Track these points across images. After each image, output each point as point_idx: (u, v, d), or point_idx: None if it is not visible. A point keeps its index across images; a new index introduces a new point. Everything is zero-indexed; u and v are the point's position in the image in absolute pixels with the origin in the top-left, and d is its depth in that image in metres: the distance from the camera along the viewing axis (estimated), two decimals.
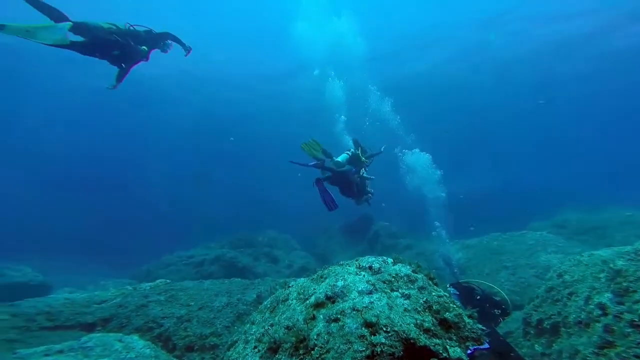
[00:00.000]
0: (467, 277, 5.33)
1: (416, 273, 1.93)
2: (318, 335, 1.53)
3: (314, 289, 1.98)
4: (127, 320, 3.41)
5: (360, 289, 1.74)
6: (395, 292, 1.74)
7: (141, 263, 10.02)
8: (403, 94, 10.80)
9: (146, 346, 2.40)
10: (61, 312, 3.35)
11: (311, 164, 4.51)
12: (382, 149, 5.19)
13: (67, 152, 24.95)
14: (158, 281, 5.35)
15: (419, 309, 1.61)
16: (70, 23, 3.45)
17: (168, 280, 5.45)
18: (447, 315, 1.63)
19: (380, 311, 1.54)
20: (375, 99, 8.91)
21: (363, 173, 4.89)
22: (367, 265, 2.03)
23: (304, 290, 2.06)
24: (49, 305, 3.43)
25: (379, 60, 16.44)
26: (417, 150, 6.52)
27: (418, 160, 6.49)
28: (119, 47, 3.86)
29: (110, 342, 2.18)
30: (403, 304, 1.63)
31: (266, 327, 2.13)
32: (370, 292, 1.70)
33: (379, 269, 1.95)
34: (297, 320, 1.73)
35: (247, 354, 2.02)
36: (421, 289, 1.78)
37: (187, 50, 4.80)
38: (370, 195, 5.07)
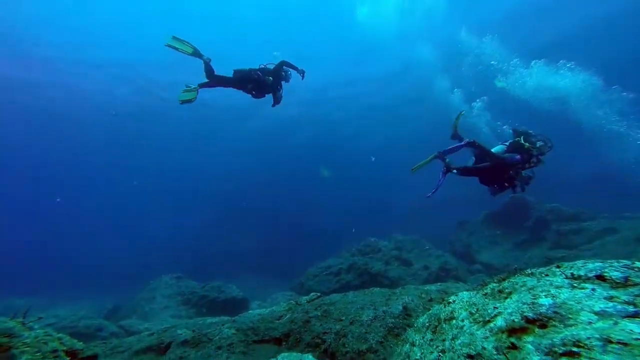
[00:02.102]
0: None
1: None
2: None
3: (496, 307, 1.62)
4: (300, 335, 4.02)
5: (598, 309, 1.24)
6: None
7: (294, 275, 11.91)
8: None
9: None
10: (259, 327, 4.35)
11: (462, 142, 4.53)
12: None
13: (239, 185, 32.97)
14: (312, 294, 6.17)
15: None
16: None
17: (318, 294, 6.18)
18: None
19: None
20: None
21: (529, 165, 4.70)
22: (589, 274, 1.48)
23: (477, 309, 1.74)
24: (251, 321, 4.53)
25: None
26: None
27: None
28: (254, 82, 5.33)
29: None
30: None
31: (436, 354, 1.94)
32: (631, 315, 1.15)
33: (626, 278, 1.35)
34: (484, 349, 1.43)
35: None
36: None
37: (302, 73, 5.51)
38: (530, 179, 4.74)
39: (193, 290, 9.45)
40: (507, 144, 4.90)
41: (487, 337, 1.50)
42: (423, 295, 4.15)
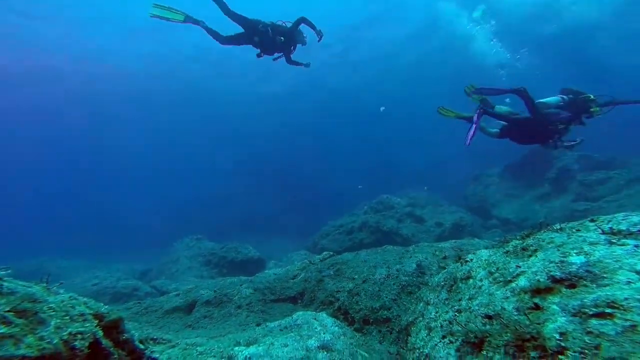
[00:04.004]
0: None
1: None
2: (564, 334, 1.08)
3: (518, 266, 1.51)
4: (314, 294, 4.17)
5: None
6: None
7: (308, 234, 12.30)
8: None
9: (334, 324, 2.75)
10: (275, 287, 4.53)
11: (511, 88, 4.32)
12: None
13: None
14: (324, 253, 6.32)
15: None
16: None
17: (331, 253, 6.32)
18: None
19: None
20: None
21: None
22: (632, 229, 1.30)
23: (498, 268, 1.63)
24: (268, 281, 4.73)
25: None
26: None
27: None
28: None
29: (310, 320, 2.63)
30: None
31: (451, 314, 1.85)
32: None
33: None
34: (504, 309, 1.35)
35: (436, 345, 1.82)
36: None
37: (319, 34, 5.15)
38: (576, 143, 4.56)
39: (212, 251, 9.99)
40: (565, 98, 4.60)
41: (507, 298, 1.39)
42: (437, 253, 4.09)
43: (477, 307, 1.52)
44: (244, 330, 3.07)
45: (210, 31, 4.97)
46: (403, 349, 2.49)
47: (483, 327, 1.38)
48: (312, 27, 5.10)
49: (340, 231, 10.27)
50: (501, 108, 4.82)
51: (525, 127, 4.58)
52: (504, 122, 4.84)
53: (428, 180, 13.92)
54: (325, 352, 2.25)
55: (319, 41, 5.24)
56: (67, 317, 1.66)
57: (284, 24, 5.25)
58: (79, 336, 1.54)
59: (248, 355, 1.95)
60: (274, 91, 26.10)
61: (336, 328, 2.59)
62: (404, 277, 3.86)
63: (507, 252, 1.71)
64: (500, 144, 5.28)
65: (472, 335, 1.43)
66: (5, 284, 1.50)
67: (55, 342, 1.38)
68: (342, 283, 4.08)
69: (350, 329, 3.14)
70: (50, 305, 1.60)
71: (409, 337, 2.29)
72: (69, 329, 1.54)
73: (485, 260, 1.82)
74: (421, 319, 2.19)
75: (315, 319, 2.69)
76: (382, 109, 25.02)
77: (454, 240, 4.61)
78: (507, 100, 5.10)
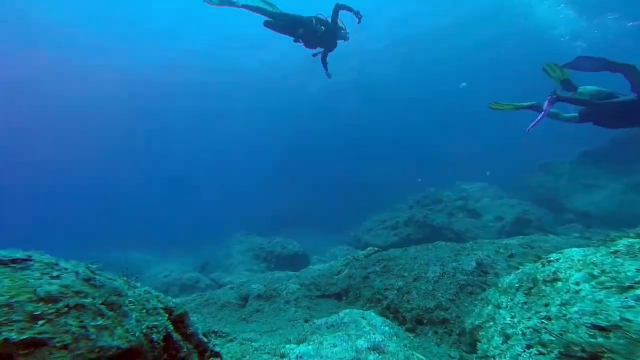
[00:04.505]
0: None
1: None
2: None
3: (638, 269, 1.28)
4: (359, 292, 4.01)
5: None
6: None
7: (348, 229, 12.12)
8: None
9: (384, 323, 2.56)
10: (320, 282, 4.50)
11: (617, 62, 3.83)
12: None
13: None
14: (369, 249, 6.09)
15: None
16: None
17: (376, 248, 6.06)
18: None
19: None
20: None
21: None
22: None
23: (604, 270, 1.39)
24: (312, 277, 4.73)
25: None
26: None
27: None
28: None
29: (357, 319, 2.49)
30: None
31: (536, 321, 1.61)
32: None
33: None
34: (627, 320, 1.15)
35: (519, 355, 1.58)
36: None
37: (358, 15, 5.08)
38: None
39: (261, 246, 10.50)
40: None
41: (631, 307, 1.18)
42: (501, 250, 3.59)
43: (577, 316, 1.32)
44: (293, 326, 3.08)
45: (254, 9, 5.00)
46: (469, 353, 2.24)
47: (594, 340, 1.18)
48: (350, 9, 5.00)
49: (384, 226, 9.87)
50: (586, 88, 4.10)
51: (625, 110, 3.90)
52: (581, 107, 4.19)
53: (480, 173, 12.57)
54: (377, 354, 2.08)
55: (358, 23, 5.14)
56: (144, 311, 1.76)
57: (325, 18, 5.27)
58: (155, 329, 1.63)
59: (299, 354, 1.90)
60: (315, 85, 25.94)
61: (387, 328, 2.41)
62: (461, 275, 3.47)
63: (616, 252, 1.46)
64: (563, 129, 4.46)
65: (576, 349, 1.23)
66: (97, 277, 1.61)
67: (137, 334, 1.47)
68: (390, 280, 3.85)
69: (401, 329, 2.91)
70: (130, 299, 1.72)
71: (479, 343, 2.03)
72: (146, 322, 1.63)
73: (579, 260, 1.57)
74: (492, 323, 2.03)
75: (362, 317, 2.54)
76: (463, 84, 22.36)
77: (521, 237, 4.00)
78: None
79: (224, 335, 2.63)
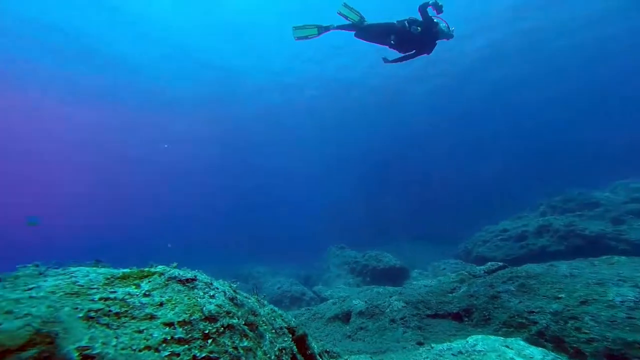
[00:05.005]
0: None
1: None
2: None
3: None
4: (487, 312, 3.23)
5: None
6: None
7: (453, 241, 10.44)
8: None
9: (544, 353, 1.87)
10: (430, 300, 3.93)
11: None
12: None
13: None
14: (490, 264, 4.99)
15: None
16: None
17: (500, 263, 4.90)
18: None
19: None
20: None
21: None
22: None
23: None
24: (419, 294, 4.22)
25: None
26: None
27: None
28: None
29: (498, 347, 1.94)
30: None
31: None
32: None
33: None
34: None
35: None
36: None
37: (437, 6, 4.76)
38: None
39: (355, 259, 10.32)
40: None
41: None
42: None
43: None
44: (404, 349, 2.72)
45: (343, 27, 5.13)
46: None
47: None
48: (430, 4, 4.61)
49: (503, 237, 8.02)
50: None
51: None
52: None
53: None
54: None
55: (437, 14, 4.69)
56: (273, 331, 1.84)
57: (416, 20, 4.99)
58: (284, 352, 1.67)
59: None
60: (414, 90, 23.63)
61: None
62: None
63: None
64: None
65: None
66: (238, 296, 1.72)
67: (272, 358, 1.49)
68: (535, 302, 2.95)
69: None
70: (263, 319, 1.81)
71: None
72: (277, 345, 1.68)
73: None
74: None
75: (506, 346, 1.95)
76: None
77: None
78: None
79: (335, 355, 2.56)
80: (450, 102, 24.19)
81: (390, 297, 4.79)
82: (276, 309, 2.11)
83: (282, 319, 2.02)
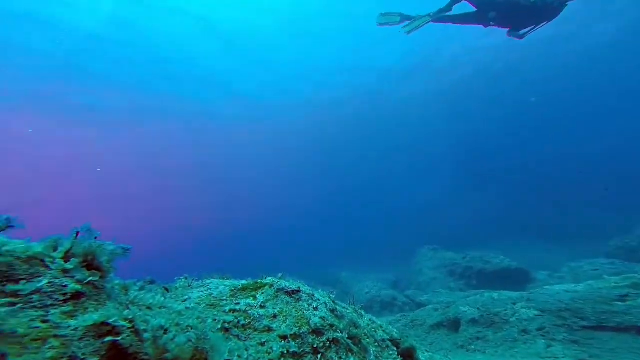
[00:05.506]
0: None
1: None
2: None
3: None
4: None
5: None
6: None
7: (590, 238, 7.97)
8: None
9: None
10: (583, 309, 3.01)
11: None
12: None
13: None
14: None
15: None
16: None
17: None
18: None
19: None
20: None
21: None
22: None
23: None
24: (560, 300, 3.35)
25: None
26: None
27: None
28: None
29: None
30: None
31: None
32: None
33: None
34: None
35: None
36: None
37: None
38: None
39: (454, 261, 9.20)
40: None
41: None
42: None
43: None
44: None
45: (436, 17, 4.97)
46: None
47: None
48: None
49: None
50: None
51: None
52: None
53: None
54: None
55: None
56: (376, 344, 1.78)
57: None
58: None
59: None
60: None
61: None
62: None
63: None
64: None
65: None
66: (338, 307, 1.73)
67: None
68: None
69: None
70: (365, 331, 1.77)
71: None
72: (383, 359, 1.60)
73: None
74: None
75: None
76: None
77: None
78: None
79: None
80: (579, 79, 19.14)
81: (514, 304, 4.00)
82: (375, 319, 1.96)
83: (383, 330, 1.86)
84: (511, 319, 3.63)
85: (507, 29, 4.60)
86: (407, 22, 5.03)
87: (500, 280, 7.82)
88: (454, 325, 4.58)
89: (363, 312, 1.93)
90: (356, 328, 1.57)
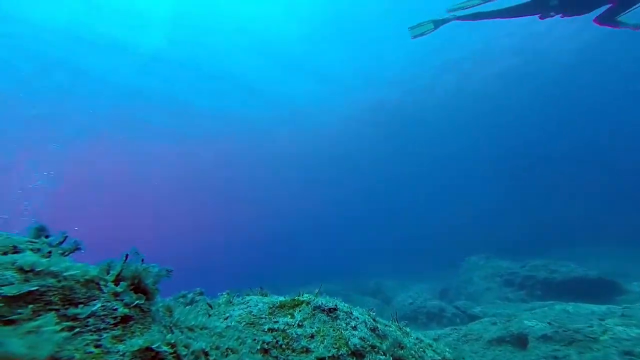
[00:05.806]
0: None
1: None
2: None
3: None
4: None
5: None
6: None
7: None
8: None
9: None
10: None
11: None
12: None
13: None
14: None
15: None
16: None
17: None
18: None
19: None
20: None
21: None
22: None
23: None
24: None
25: None
26: None
27: None
28: None
29: None
30: None
31: None
32: None
33: None
34: None
35: None
36: None
37: None
38: None
39: (511, 270, 8.29)
40: None
41: None
42: None
43: None
44: None
45: (466, 17, 4.77)
46: None
47: None
48: None
49: None
50: None
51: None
52: None
53: None
54: None
55: None
56: None
57: None
58: None
59: None
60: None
61: None
62: None
63: None
64: None
65: None
66: (379, 325, 1.63)
67: None
68: None
69: None
70: (412, 352, 1.63)
71: None
72: None
73: None
74: None
75: None
76: None
77: None
78: None
79: None
80: None
81: (601, 319, 3.43)
82: (423, 338, 1.78)
83: (434, 350, 1.69)
84: (601, 337, 3.11)
85: (598, 17, 3.95)
86: (415, 24, 4.91)
87: (572, 291, 6.81)
88: (519, 341, 4.07)
89: (408, 330, 1.77)
90: (401, 349, 1.46)
